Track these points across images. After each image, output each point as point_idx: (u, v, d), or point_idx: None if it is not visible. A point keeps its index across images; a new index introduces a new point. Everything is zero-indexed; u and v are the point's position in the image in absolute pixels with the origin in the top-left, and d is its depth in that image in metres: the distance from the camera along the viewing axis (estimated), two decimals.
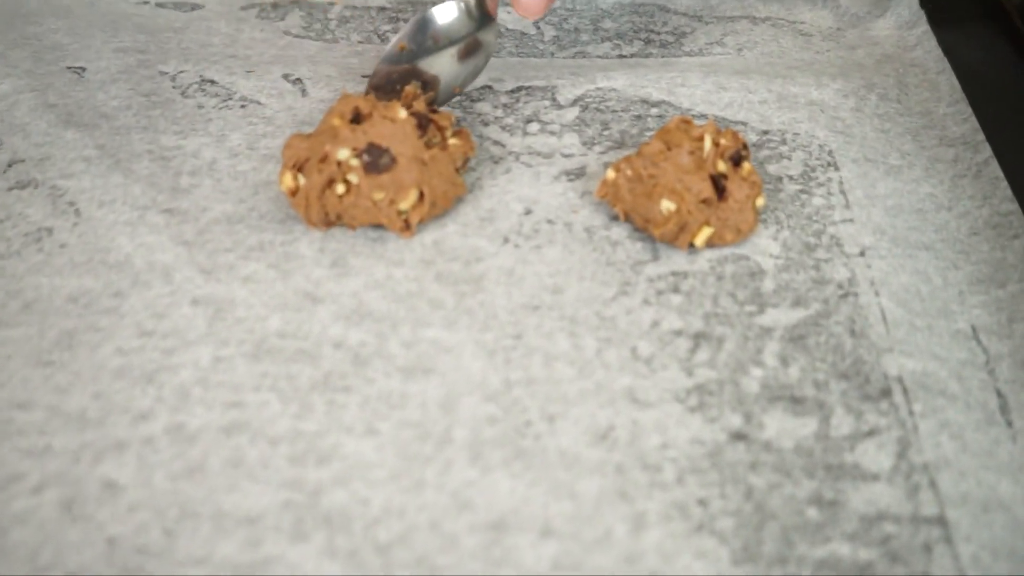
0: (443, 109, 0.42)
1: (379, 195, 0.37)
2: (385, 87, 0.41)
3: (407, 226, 0.38)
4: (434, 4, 0.41)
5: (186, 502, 0.30)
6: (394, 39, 0.40)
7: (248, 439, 0.32)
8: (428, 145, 0.38)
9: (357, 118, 0.39)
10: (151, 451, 0.31)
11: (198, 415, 0.32)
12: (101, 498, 0.30)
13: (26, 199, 0.39)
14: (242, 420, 0.32)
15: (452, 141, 0.39)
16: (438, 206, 0.38)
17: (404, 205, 0.38)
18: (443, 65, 0.41)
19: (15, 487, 0.30)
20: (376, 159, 0.37)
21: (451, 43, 0.40)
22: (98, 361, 0.34)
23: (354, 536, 0.29)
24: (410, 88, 0.39)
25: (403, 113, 0.38)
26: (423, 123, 0.38)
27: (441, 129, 0.39)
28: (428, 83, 0.41)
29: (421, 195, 0.38)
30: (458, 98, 0.44)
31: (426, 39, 0.40)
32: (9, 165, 0.41)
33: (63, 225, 0.38)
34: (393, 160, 0.37)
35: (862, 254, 0.38)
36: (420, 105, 0.39)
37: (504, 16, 0.50)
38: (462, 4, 0.40)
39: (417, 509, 0.30)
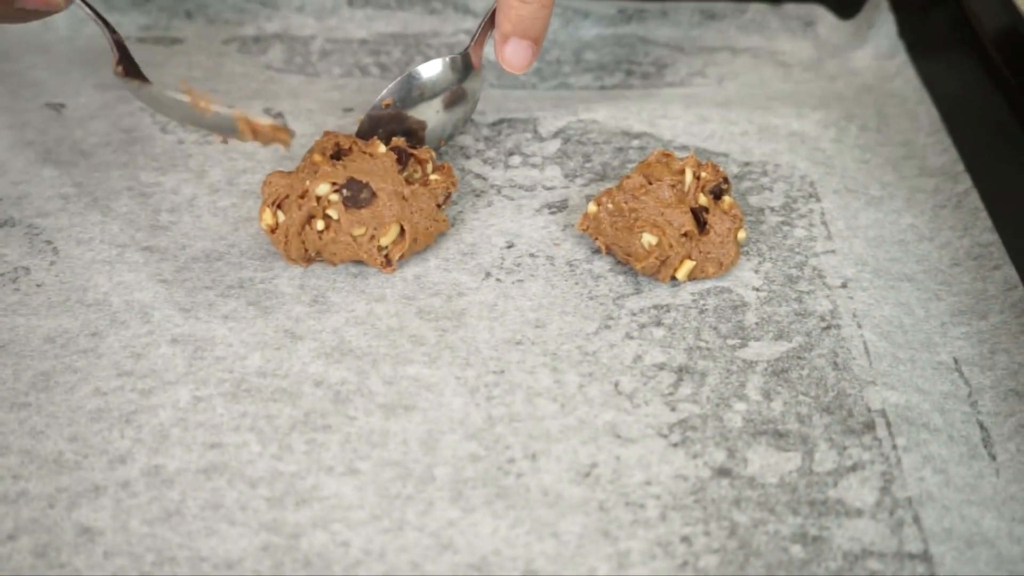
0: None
1: (359, 231, 0.37)
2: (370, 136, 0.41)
3: (388, 262, 0.38)
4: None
5: (163, 547, 0.30)
6: (379, 97, 0.40)
7: (227, 481, 0.31)
8: (409, 181, 0.38)
9: (337, 154, 0.39)
10: (128, 495, 0.31)
11: (176, 457, 0.32)
12: (77, 544, 0.30)
13: (2, 238, 0.39)
14: (221, 462, 0.32)
15: (433, 177, 0.39)
16: (420, 242, 0.38)
17: (385, 240, 0.37)
18: (429, 115, 0.41)
19: None
20: (356, 194, 0.37)
21: (435, 94, 0.41)
22: (75, 403, 0.33)
23: None
24: (396, 140, 0.39)
25: (382, 148, 0.38)
26: (403, 158, 0.38)
27: (422, 163, 0.39)
28: (414, 131, 0.41)
29: (402, 231, 0.38)
30: None
31: (411, 91, 0.40)
32: None
33: (40, 264, 0.38)
34: (373, 195, 0.37)
35: (844, 286, 0.38)
36: (399, 141, 0.39)
37: (487, 49, 0.50)
38: (446, 59, 0.41)
39: (398, 550, 0.30)
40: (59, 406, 0.33)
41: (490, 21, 0.41)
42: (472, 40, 0.41)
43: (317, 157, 0.38)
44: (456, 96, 0.41)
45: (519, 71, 0.40)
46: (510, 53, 0.40)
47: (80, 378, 0.34)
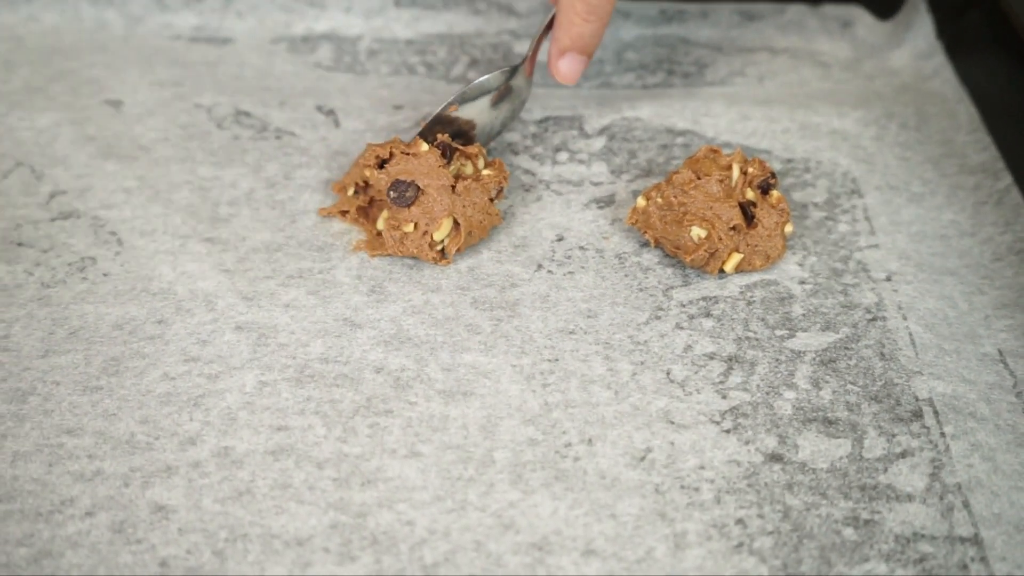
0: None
1: (409, 227, 0.38)
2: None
3: (442, 255, 0.39)
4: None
5: (235, 524, 0.31)
6: (443, 105, 0.41)
7: (294, 462, 0.32)
8: (461, 177, 0.39)
9: (381, 164, 0.40)
10: (199, 475, 0.32)
11: (245, 439, 0.33)
12: (152, 521, 0.31)
13: (69, 229, 0.40)
14: (288, 444, 0.33)
15: (485, 172, 0.40)
16: (475, 235, 0.39)
17: (439, 235, 0.38)
18: (476, 113, 0.42)
19: (67, 511, 0.31)
20: (402, 192, 0.38)
21: (485, 92, 0.42)
22: (145, 387, 0.34)
23: (400, 557, 0.30)
24: (441, 135, 0.40)
25: (424, 146, 0.39)
26: (447, 152, 0.39)
27: (472, 159, 0.40)
28: (464, 131, 0.42)
29: (457, 225, 0.39)
30: None
31: (463, 95, 0.42)
32: (51, 196, 0.42)
33: (106, 254, 0.39)
34: (419, 191, 0.38)
35: (888, 279, 0.39)
36: (444, 136, 0.40)
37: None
38: (504, 71, 0.42)
39: (461, 530, 0.31)
40: (129, 390, 0.34)
41: (545, 31, 0.42)
42: (528, 54, 0.43)
43: (366, 171, 0.39)
44: (503, 93, 0.42)
45: (571, 83, 0.43)
46: (565, 67, 0.42)
47: (149, 363, 0.35)
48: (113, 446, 0.33)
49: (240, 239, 0.40)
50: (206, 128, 0.45)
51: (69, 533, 0.30)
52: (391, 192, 0.38)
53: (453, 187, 0.39)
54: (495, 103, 0.42)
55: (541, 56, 0.49)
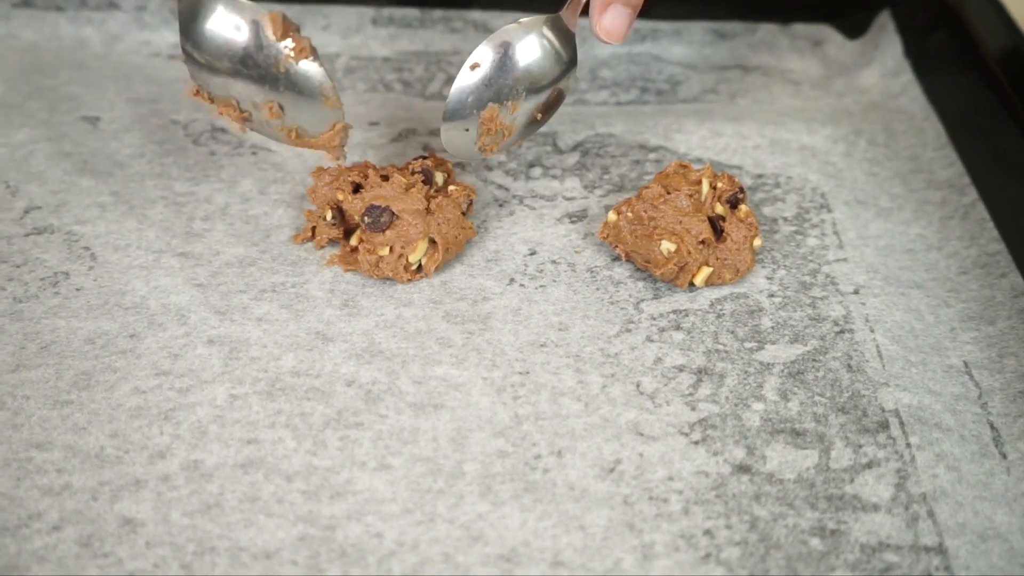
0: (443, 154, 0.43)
1: (384, 251, 0.38)
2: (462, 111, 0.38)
3: (417, 273, 0.39)
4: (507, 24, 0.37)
5: (203, 538, 0.31)
6: (468, 61, 0.37)
7: (263, 475, 0.32)
8: (431, 195, 0.40)
9: (356, 188, 0.40)
10: (168, 488, 0.32)
11: (214, 452, 0.33)
12: (119, 535, 0.31)
13: (43, 244, 0.40)
14: (257, 457, 0.33)
15: (451, 188, 0.40)
16: (451, 251, 0.40)
17: (414, 257, 0.39)
18: (528, 106, 0.38)
19: (35, 525, 0.31)
20: (376, 218, 0.38)
21: (536, 87, 0.37)
22: (115, 400, 0.34)
23: (369, 569, 0.30)
24: (418, 163, 0.40)
25: (397, 176, 0.39)
26: (428, 178, 0.40)
27: (444, 172, 0.41)
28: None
29: (433, 243, 0.39)
30: None
31: (508, 76, 0.37)
32: (26, 212, 0.42)
33: (79, 269, 0.39)
34: (394, 216, 0.38)
35: (856, 292, 0.40)
36: (423, 163, 0.40)
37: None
38: (544, 40, 0.37)
39: (430, 542, 0.31)
40: (100, 404, 0.34)
41: None
42: (568, 2, 0.38)
43: (339, 195, 0.39)
44: (552, 100, 0.39)
45: (618, 40, 0.37)
46: (610, 20, 0.37)
47: (120, 377, 0.35)
48: (82, 460, 0.33)
49: (214, 253, 0.40)
50: (182, 144, 0.46)
51: (36, 547, 0.30)
52: (365, 218, 0.38)
53: (427, 207, 0.39)
54: (543, 112, 0.39)
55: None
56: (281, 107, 0.36)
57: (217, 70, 0.36)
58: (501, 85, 0.37)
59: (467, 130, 0.39)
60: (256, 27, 0.35)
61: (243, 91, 0.36)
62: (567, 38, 0.38)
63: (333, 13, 0.53)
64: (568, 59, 0.38)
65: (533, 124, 0.40)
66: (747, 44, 0.54)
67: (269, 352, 0.36)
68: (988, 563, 0.31)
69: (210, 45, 0.36)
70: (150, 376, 0.35)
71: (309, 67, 0.36)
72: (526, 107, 0.39)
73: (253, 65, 0.35)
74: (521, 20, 0.38)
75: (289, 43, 0.35)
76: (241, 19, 0.35)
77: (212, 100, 0.37)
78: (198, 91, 0.37)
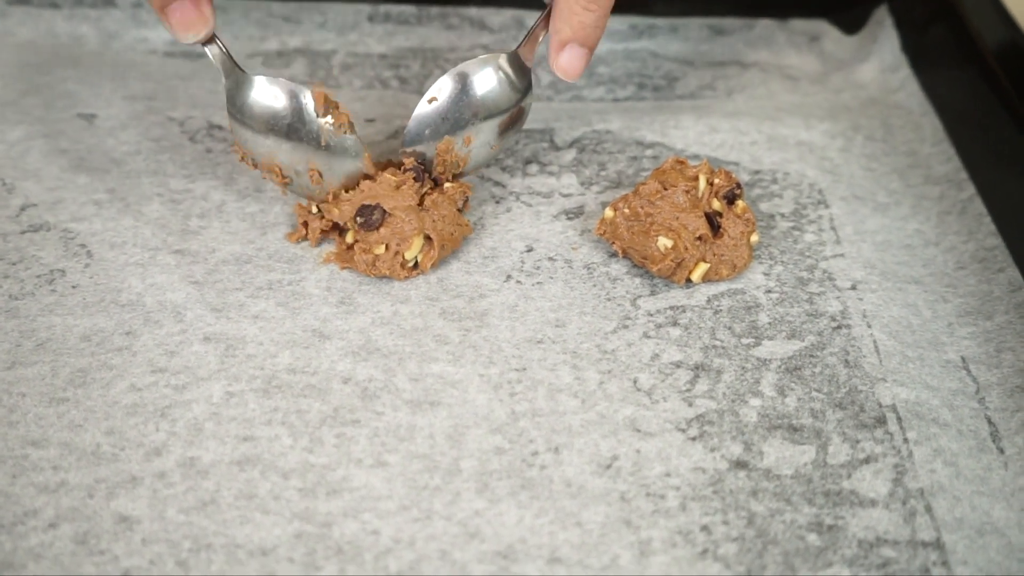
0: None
1: (380, 249, 0.38)
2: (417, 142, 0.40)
3: (414, 270, 0.39)
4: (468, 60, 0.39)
5: (199, 535, 0.31)
6: (425, 95, 0.39)
7: (260, 472, 0.32)
8: (427, 192, 0.40)
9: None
10: (164, 485, 0.32)
11: (210, 449, 0.33)
12: (115, 532, 0.31)
13: (39, 242, 0.40)
14: (254, 454, 0.33)
15: (447, 185, 0.40)
16: (447, 248, 0.39)
17: (410, 254, 0.39)
18: (483, 138, 0.40)
19: (30, 522, 0.31)
20: (368, 217, 0.38)
21: (491, 116, 0.39)
22: (111, 398, 0.34)
23: (365, 566, 0.30)
24: (409, 160, 0.40)
25: (385, 174, 0.39)
26: (419, 176, 0.39)
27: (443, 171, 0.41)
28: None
29: (429, 240, 0.39)
30: None
31: (463, 111, 0.39)
32: (22, 209, 0.42)
33: (75, 267, 0.39)
34: (386, 213, 0.38)
35: (853, 288, 0.39)
36: (412, 161, 0.40)
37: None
38: (500, 74, 0.39)
39: (426, 539, 0.31)
40: (96, 401, 0.34)
41: (543, 23, 0.39)
42: (524, 40, 0.40)
43: (330, 196, 0.39)
44: (513, 119, 0.40)
45: (573, 78, 0.39)
46: (566, 60, 0.39)
47: (116, 374, 0.35)
48: (78, 457, 0.33)
49: (210, 251, 0.40)
50: (178, 141, 0.46)
51: (31, 545, 0.30)
52: (358, 218, 0.38)
53: (420, 202, 0.39)
54: (503, 131, 0.40)
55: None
56: (320, 173, 0.39)
57: (262, 141, 0.39)
58: (457, 119, 0.39)
59: (424, 158, 0.40)
60: (299, 104, 0.38)
61: (286, 159, 0.39)
62: (523, 72, 0.40)
63: (330, 9, 0.53)
64: (523, 90, 0.40)
65: (488, 154, 0.41)
66: (744, 40, 0.54)
67: (265, 349, 0.36)
68: (986, 558, 0.31)
69: (257, 120, 0.38)
70: (146, 373, 0.35)
71: (347, 139, 0.39)
72: (481, 139, 0.40)
73: (296, 138, 0.38)
74: (480, 56, 0.40)
75: (330, 119, 0.38)
76: (285, 96, 0.38)
77: (256, 166, 0.40)
78: (243, 157, 0.40)
